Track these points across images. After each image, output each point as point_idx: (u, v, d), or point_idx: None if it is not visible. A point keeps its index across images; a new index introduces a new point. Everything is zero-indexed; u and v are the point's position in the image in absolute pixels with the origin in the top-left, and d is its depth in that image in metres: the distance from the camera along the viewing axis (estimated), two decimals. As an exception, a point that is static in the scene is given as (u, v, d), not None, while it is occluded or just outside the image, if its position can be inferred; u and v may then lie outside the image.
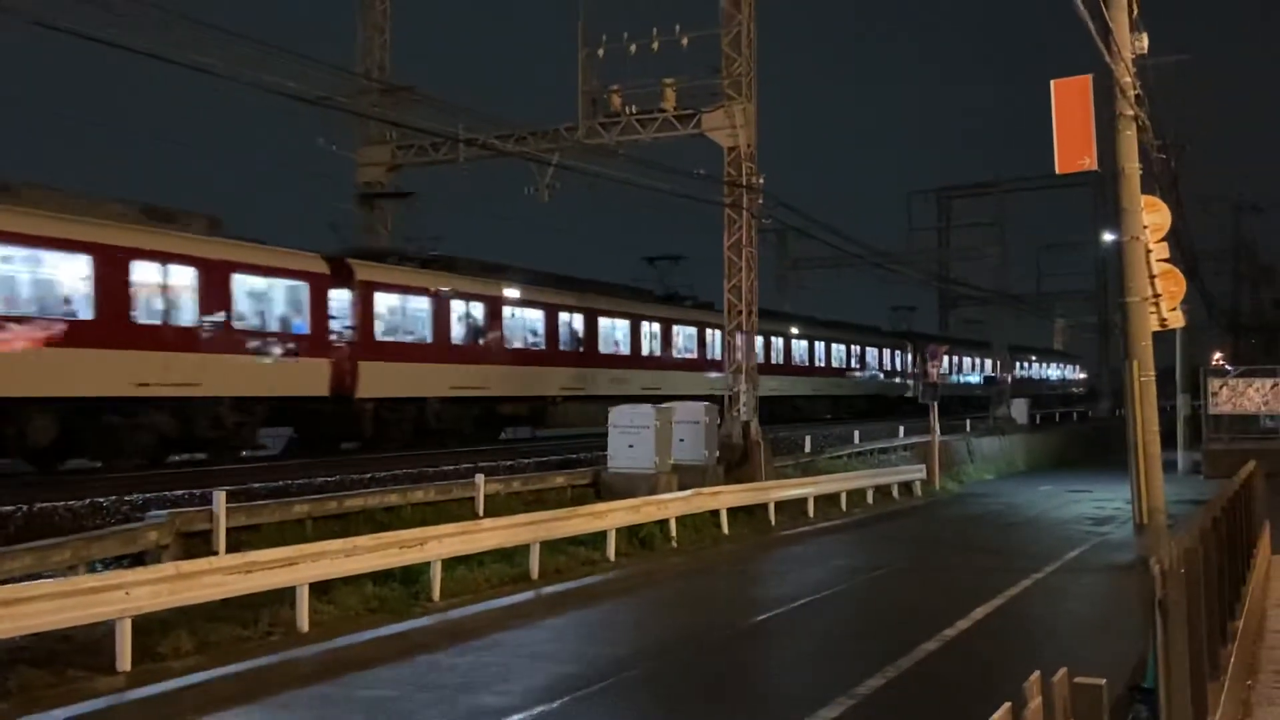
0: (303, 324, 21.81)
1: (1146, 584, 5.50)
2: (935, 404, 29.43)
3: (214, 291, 19.78)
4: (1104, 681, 3.61)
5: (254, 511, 14.23)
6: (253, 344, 20.68)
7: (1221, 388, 34.29)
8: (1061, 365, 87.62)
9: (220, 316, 19.92)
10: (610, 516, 16.78)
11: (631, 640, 12.02)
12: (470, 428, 26.47)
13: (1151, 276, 15.62)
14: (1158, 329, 15.91)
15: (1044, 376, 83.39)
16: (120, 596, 9.81)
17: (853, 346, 49.50)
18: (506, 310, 27.60)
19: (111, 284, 18.06)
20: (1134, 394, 15.39)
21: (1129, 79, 15.22)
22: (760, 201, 25.24)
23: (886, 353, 53.04)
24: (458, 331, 26.12)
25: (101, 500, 13.64)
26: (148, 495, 14.21)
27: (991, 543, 20.24)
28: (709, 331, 35.28)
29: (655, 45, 24.81)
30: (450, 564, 13.79)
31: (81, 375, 17.53)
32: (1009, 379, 53.42)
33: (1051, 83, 15.11)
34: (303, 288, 21.84)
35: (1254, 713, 7.64)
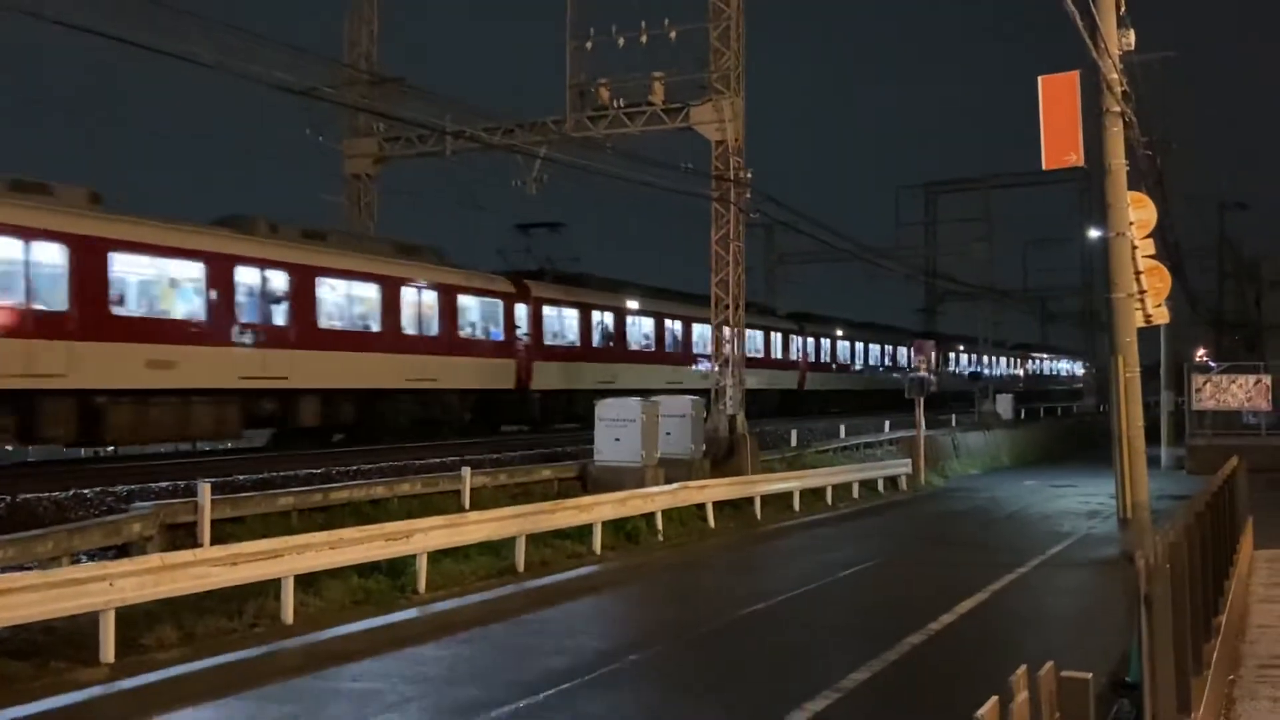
0: (498, 332, 28.01)
1: (1131, 579, 5.52)
2: (921, 399, 29.49)
3: (449, 310, 25.99)
4: (1090, 676, 3.62)
5: (239, 503, 14.19)
6: (471, 349, 26.91)
7: (1205, 384, 34.44)
8: (1072, 361, 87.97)
9: (453, 329, 26.14)
10: (596, 510, 16.78)
11: (617, 633, 12.03)
12: None
13: (1137, 272, 15.71)
14: (1143, 325, 15.99)
15: (1054, 373, 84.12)
16: (104, 588, 9.78)
17: (886, 346, 55.13)
18: (628, 319, 33.57)
19: (392, 304, 24.38)
20: (1119, 389, 15.46)
21: (1116, 75, 15.26)
22: (748, 196, 25.25)
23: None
24: (596, 336, 32.01)
25: (85, 492, 13.58)
26: (132, 487, 14.15)
27: (976, 537, 20.31)
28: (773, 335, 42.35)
29: (643, 39, 24.77)
30: (436, 556, 13.77)
31: (376, 373, 23.64)
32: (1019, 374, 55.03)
33: (1039, 79, 15.16)
34: (499, 304, 28.06)
35: (1236, 706, 7.69)
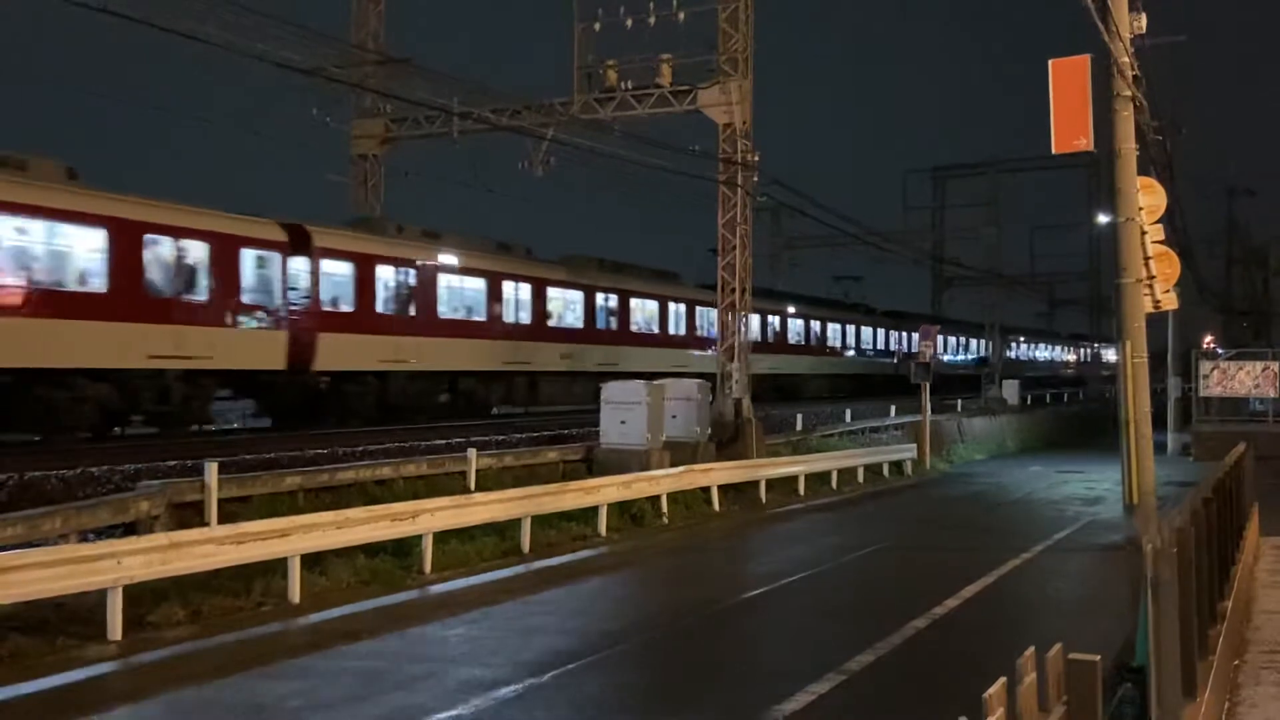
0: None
1: (1137, 564, 5.52)
2: (927, 384, 29.46)
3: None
4: (1099, 658, 3.63)
5: (245, 483, 14.22)
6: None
7: (1212, 370, 34.37)
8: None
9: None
10: (602, 492, 16.81)
11: (622, 615, 12.06)
12: None
13: (1146, 258, 15.65)
14: (1151, 311, 15.94)
15: (1065, 359, 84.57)
16: (112, 565, 9.82)
17: (912, 334, 56.62)
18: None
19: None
20: (1126, 375, 15.43)
21: (1127, 59, 15.18)
22: (755, 179, 25.18)
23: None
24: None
25: (94, 470, 13.62)
26: (139, 465, 14.19)
27: (981, 522, 20.31)
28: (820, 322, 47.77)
29: (652, 20, 24.67)
30: (442, 537, 13.81)
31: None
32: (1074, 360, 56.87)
33: (1049, 62, 15.08)
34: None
35: (1241, 691, 7.70)
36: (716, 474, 20.35)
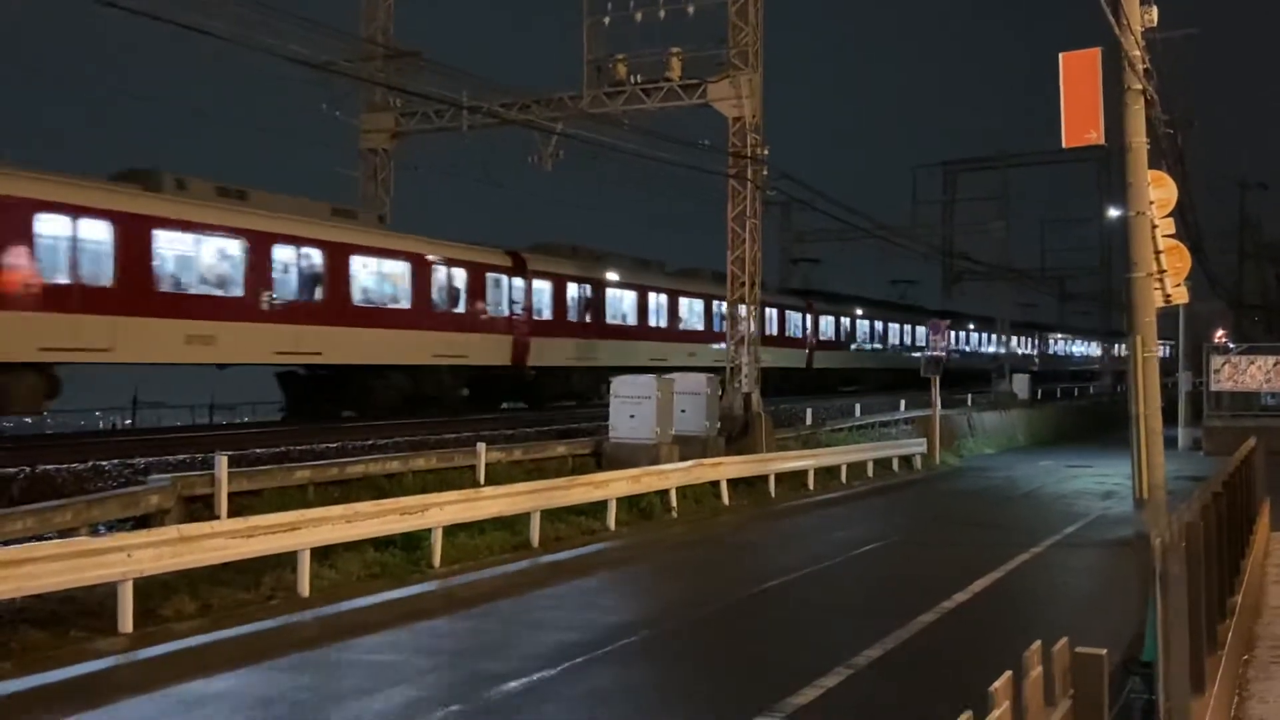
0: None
1: (1146, 558, 5.50)
2: (937, 378, 29.41)
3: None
4: (1105, 651, 3.62)
5: (255, 476, 14.28)
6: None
7: (1223, 365, 34.25)
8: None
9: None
10: (611, 486, 16.82)
11: (631, 608, 12.07)
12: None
13: (1157, 252, 15.58)
14: (1162, 305, 15.87)
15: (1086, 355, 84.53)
16: (122, 559, 9.86)
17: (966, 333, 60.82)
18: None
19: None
20: (1137, 369, 15.38)
21: (1138, 52, 15.10)
22: (765, 173, 25.15)
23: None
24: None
25: (104, 463, 13.68)
26: (150, 459, 14.25)
27: (990, 517, 20.28)
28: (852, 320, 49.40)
29: (661, 14, 24.67)
30: (451, 531, 13.84)
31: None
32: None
33: (1060, 55, 15.01)
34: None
35: (1250, 686, 7.68)
36: (726, 468, 20.35)
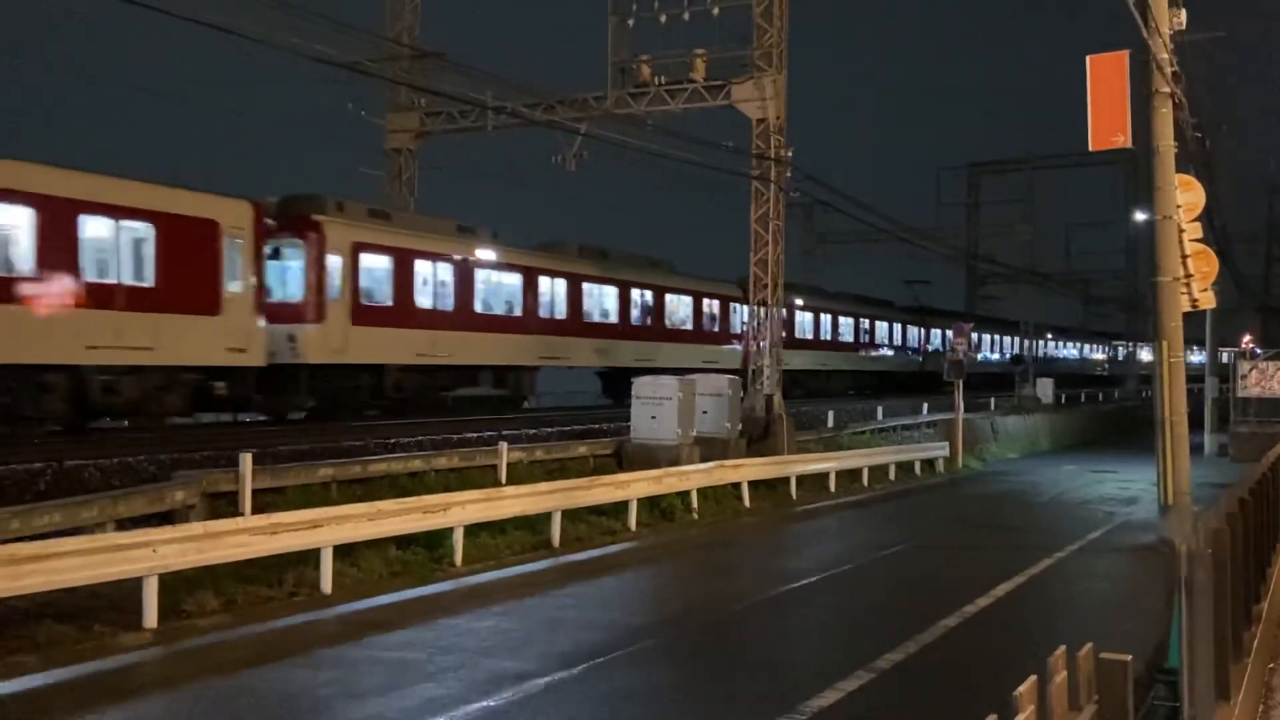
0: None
1: (1172, 564, 5.46)
2: (960, 382, 29.28)
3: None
4: (1129, 657, 3.60)
5: (279, 474, 14.36)
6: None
7: (1251, 370, 33.96)
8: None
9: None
10: (632, 487, 16.83)
11: (651, 609, 12.08)
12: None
13: (1184, 256, 15.48)
14: (1188, 309, 15.76)
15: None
16: (148, 554, 9.93)
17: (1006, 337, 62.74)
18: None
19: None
20: (1163, 374, 15.27)
21: (1166, 55, 15.00)
22: (788, 175, 25.12)
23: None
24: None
25: (130, 459, 13.78)
26: (175, 455, 14.35)
27: (1013, 521, 20.17)
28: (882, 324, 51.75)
29: (686, 15, 24.67)
30: (473, 530, 13.88)
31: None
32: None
33: (1087, 58, 14.93)
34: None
35: (1276, 694, 7.62)
36: (747, 470, 20.33)
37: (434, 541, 13.48)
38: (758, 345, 25.32)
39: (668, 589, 13.81)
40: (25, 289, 16.80)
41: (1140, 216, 26.78)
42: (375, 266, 23.99)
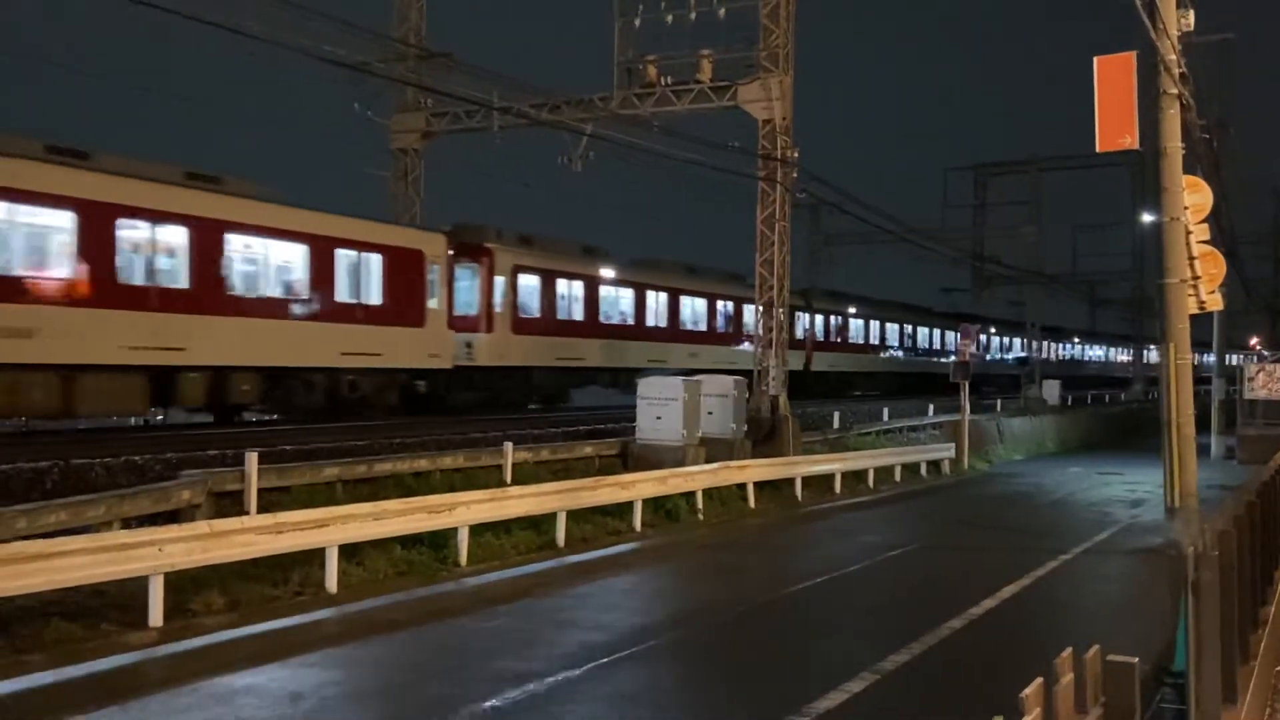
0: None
1: (1178, 566, 5.45)
2: (966, 383, 29.24)
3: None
4: (1136, 660, 3.59)
5: (284, 473, 14.38)
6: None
7: (1258, 372, 33.87)
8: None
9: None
10: (637, 487, 16.82)
11: (656, 610, 12.07)
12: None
13: (1191, 258, 15.41)
14: (1195, 311, 15.71)
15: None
16: (153, 553, 9.95)
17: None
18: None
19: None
20: (1170, 376, 15.23)
21: (1174, 56, 14.96)
22: (794, 175, 25.08)
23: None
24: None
25: (136, 458, 13.81)
26: (181, 454, 14.37)
27: (1019, 523, 20.14)
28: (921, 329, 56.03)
29: (692, 15, 24.65)
30: (478, 530, 13.88)
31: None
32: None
33: (1094, 59, 14.89)
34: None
35: (1283, 698, 7.59)
36: (752, 471, 20.31)
37: (439, 541, 13.49)
38: (764, 346, 25.27)
39: (673, 590, 13.80)
40: (302, 309, 21.70)
41: (1148, 218, 26.74)
42: (528, 284, 28.77)
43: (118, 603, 10.22)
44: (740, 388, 22.63)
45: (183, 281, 19.49)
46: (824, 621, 11.65)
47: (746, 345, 34.90)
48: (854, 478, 23.73)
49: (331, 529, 11.72)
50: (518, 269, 28.28)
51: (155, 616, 9.94)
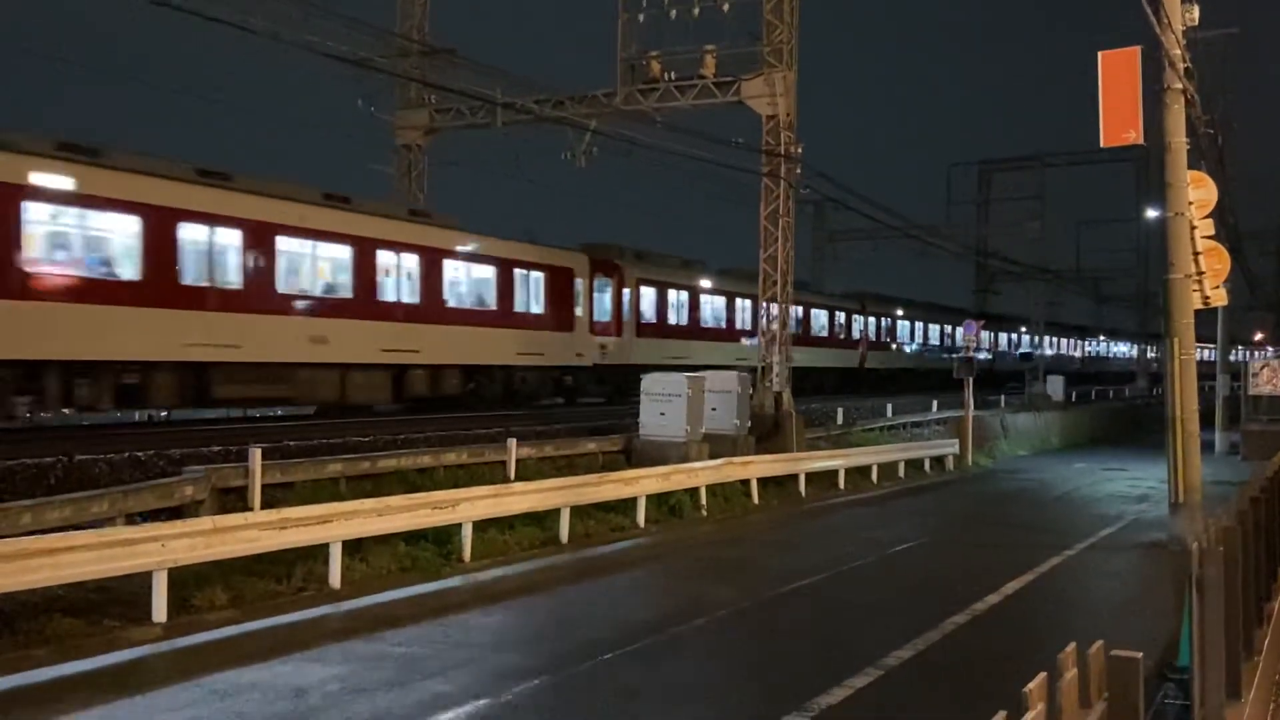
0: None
1: (1183, 562, 5.43)
2: (970, 379, 29.21)
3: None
4: (1140, 655, 3.57)
5: (288, 469, 14.39)
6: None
7: (1262, 368, 33.81)
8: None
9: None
10: (640, 483, 16.82)
11: (659, 606, 12.07)
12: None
13: (1195, 253, 15.40)
14: (1200, 307, 15.69)
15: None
16: (157, 549, 9.95)
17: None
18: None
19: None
20: (1174, 372, 15.21)
21: (1179, 51, 14.92)
22: (798, 171, 25.06)
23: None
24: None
25: (140, 454, 13.82)
26: (185, 450, 14.38)
27: (1023, 519, 20.12)
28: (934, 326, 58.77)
29: (696, 11, 24.62)
30: (481, 526, 13.89)
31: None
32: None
33: (1099, 54, 14.87)
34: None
35: (1287, 694, 7.56)
36: (755, 467, 20.30)
37: (443, 537, 13.49)
38: (768, 342, 25.26)
39: (676, 586, 13.79)
40: (492, 318, 27.04)
41: (1152, 213, 26.69)
42: (647, 295, 33.81)
43: (121, 598, 10.23)
44: (744, 384, 22.62)
45: (418, 298, 24.57)
46: (827, 617, 11.64)
47: (820, 348, 43.35)
48: (858, 474, 23.71)
49: (335, 525, 11.72)
50: (640, 282, 33.46)
51: (159, 612, 9.95)
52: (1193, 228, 15.40)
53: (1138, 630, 10.24)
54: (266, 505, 12.78)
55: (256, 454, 13.50)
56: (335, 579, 11.68)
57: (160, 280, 18.85)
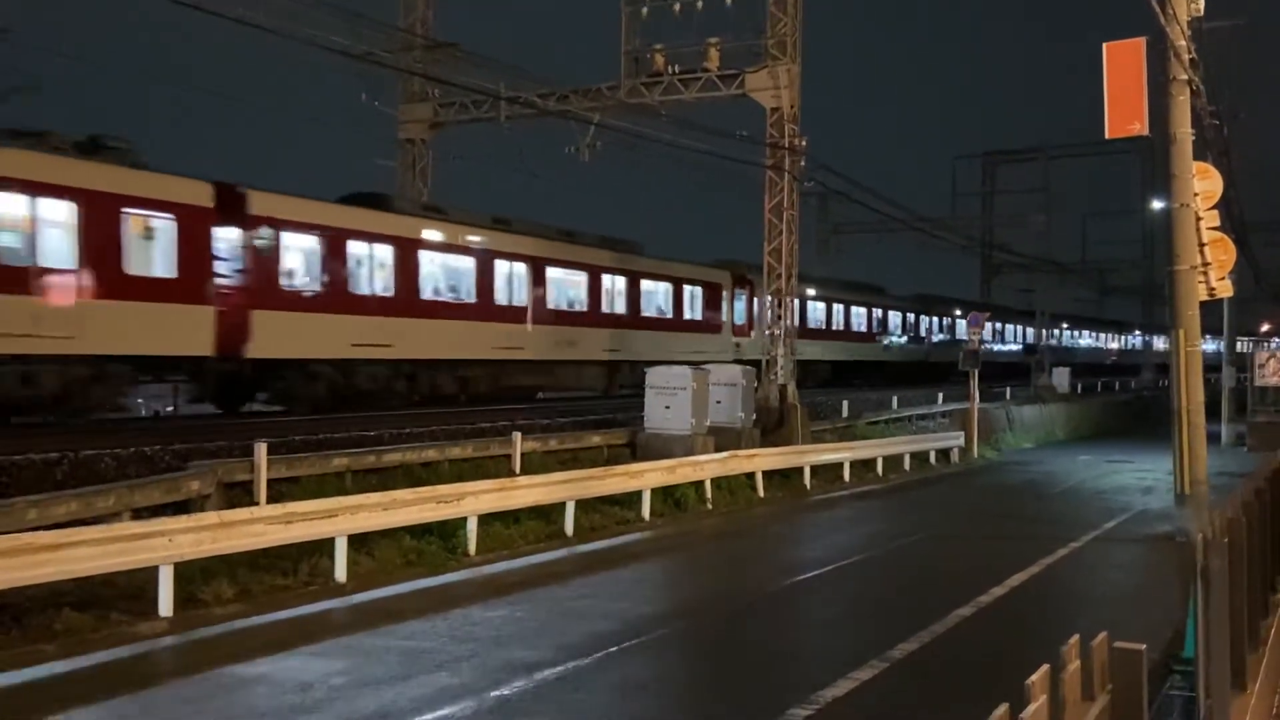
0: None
1: (1188, 553, 5.43)
2: (975, 372, 29.17)
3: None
4: (1144, 647, 3.57)
5: (294, 463, 14.40)
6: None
7: (1269, 359, 33.75)
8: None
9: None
10: (646, 477, 16.83)
11: (664, 599, 12.08)
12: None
13: (1201, 244, 15.36)
14: (1205, 298, 15.65)
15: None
16: (163, 543, 9.99)
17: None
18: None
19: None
20: (1180, 363, 15.18)
21: (1184, 42, 14.87)
22: (802, 164, 25.03)
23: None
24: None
25: (145, 449, 13.84)
26: (191, 445, 14.40)
27: (1029, 511, 20.11)
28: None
29: (699, 4, 24.56)
30: (487, 520, 13.90)
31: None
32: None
33: (1104, 46, 14.81)
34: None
35: (1293, 685, 7.55)
36: (761, 460, 20.30)
37: (448, 531, 13.51)
38: (773, 334, 25.26)
39: (681, 579, 13.81)
40: (668, 324, 33.32)
41: (1157, 205, 26.61)
42: (767, 301, 34.91)
43: (128, 593, 10.27)
44: (749, 377, 22.60)
45: (625, 309, 31.06)
46: (832, 610, 11.65)
47: (892, 340, 49.50)
48: (863, 466, 23.72)
49: (341, 519, 11.75)
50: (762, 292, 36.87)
51: (165, 606, 9.99)
52: (1198, 219, 15.36)
53: (1144, 622, 10.24)
54: (272, 500, 12.81)
55: (262, 449, 13.53)
56: (341, 573, 11.71)
57: (484, 303, 26.14)
